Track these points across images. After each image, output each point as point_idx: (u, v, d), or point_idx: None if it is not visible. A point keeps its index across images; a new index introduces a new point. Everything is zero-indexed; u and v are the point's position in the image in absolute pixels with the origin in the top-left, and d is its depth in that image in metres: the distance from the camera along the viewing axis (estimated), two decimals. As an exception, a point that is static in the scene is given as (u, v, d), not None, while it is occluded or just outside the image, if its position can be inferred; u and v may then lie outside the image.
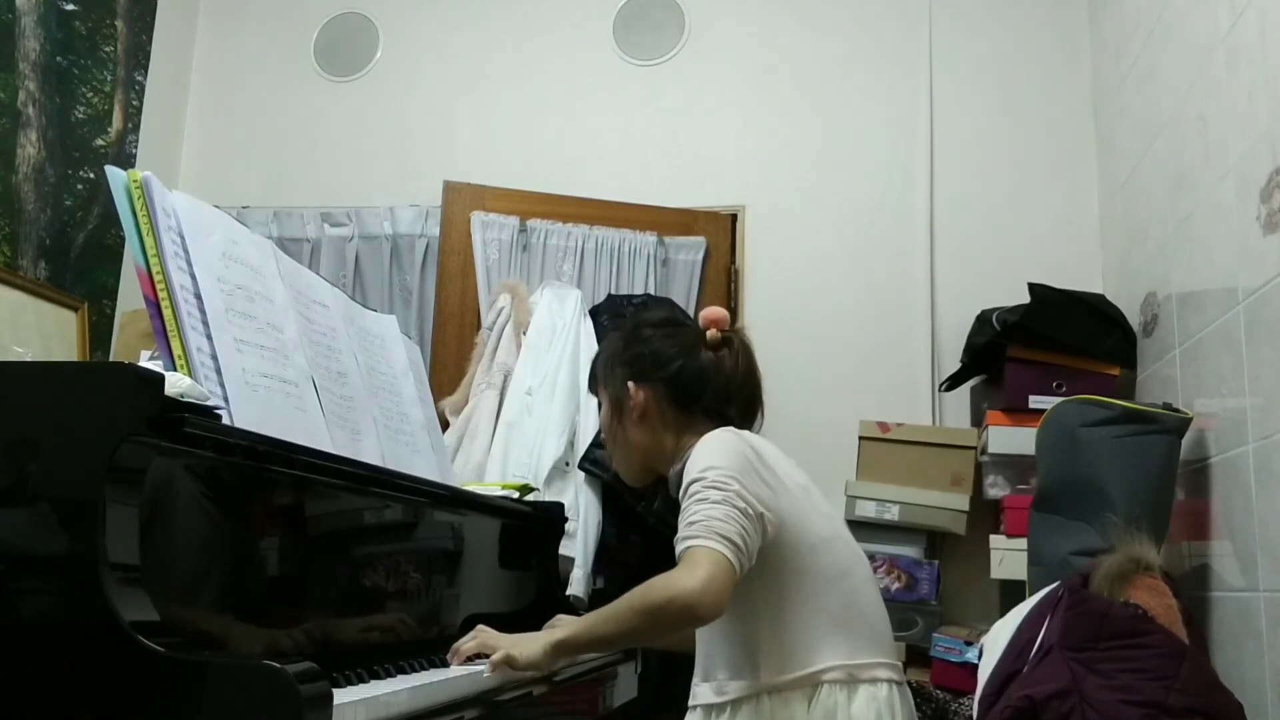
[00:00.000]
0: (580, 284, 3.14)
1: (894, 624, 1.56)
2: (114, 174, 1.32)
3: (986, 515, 2.86)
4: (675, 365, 1.60)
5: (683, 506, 1.40)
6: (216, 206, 1.48)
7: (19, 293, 2.86)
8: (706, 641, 1.50)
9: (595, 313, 2.98)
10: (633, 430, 1.62)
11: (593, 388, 1.73)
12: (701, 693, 1.48)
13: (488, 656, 1.37)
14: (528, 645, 1.37)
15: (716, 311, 1.65)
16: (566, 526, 2.36)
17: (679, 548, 1.35)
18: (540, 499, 2.36)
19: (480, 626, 1.45)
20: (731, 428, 1.53)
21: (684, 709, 1.54)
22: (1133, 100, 2.83)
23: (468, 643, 1.41)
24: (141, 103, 3.50)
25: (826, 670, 1.41)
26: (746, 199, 3.41)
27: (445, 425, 2.70)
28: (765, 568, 1.41)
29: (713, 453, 1.44)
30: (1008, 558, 2.57)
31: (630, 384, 1.61)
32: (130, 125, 3.45)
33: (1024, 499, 2.47)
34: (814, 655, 1.42)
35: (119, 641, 0.92)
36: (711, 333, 1.63)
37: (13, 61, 2.95)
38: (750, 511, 1.37)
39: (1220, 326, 2.12)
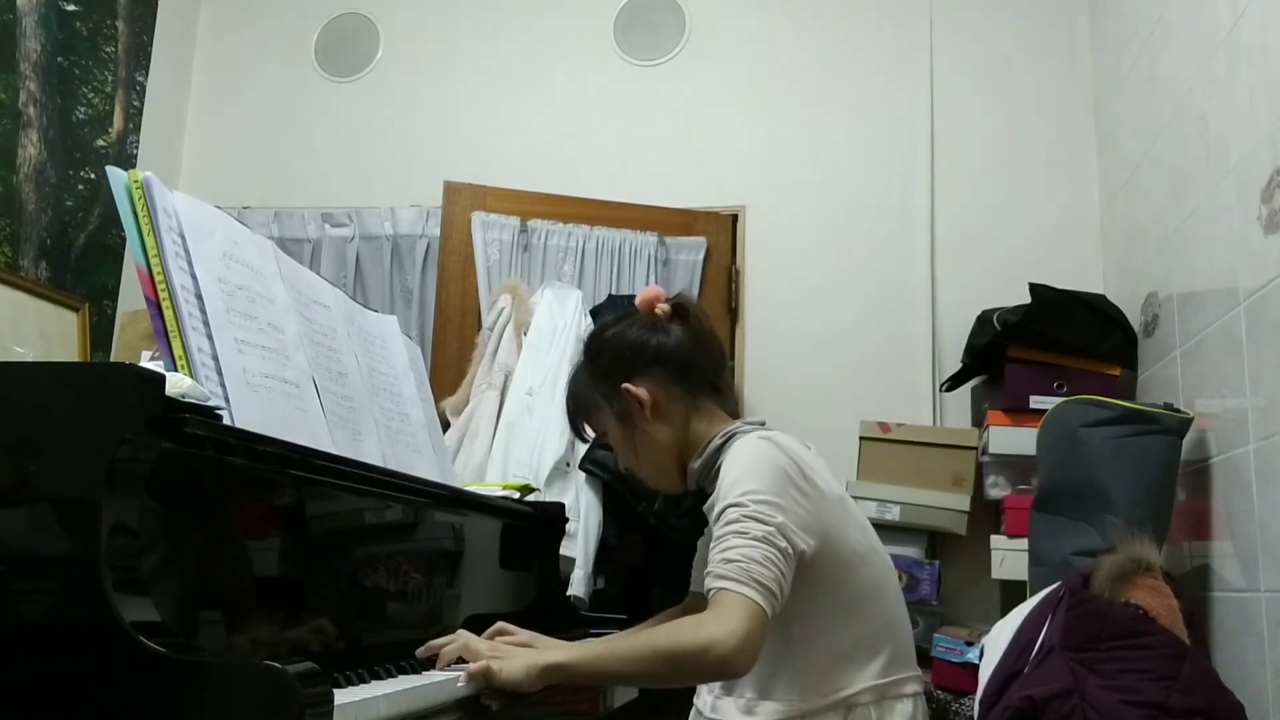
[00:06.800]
0: (581, 284, 3.14)
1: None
2: (115, 174, 1.32)
3: (987, 515, 2.86)
4: (654, 345, 1.53)
5: (715, 531, 1.31)
6: (217, 207, 1.48)
7: (20, 293, 2.86)
8: None
9: (596, 313, 2.98)
10: (654, 430, 1.52)
11: (578, 429, 1.62)
12: (724, 707, 1.43)
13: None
14: (512, 661, 1.26)
15: (650, 291, 1.59)
16: (567, 527, 2.36)
17: (711, 583, 1.27)
18: (541, 499, 2.36)
19: (461, 631, 1.38)
20: (769, 434, 1.43)
21: (684, 710, 1.53)
22: (1133, 100, 2.83)
23: (449, 645, 1.32)
24: (142, 103, 3.50)
25: (860, 693, 1.39)
26: (747, 199, 3.41)
27: (446, 425, 2.70)
28: (802, 587, 1.33)
29: (751, 468, 1.35)
30: (1009, 558, 2.57)
31: (627, 386, 1.51)
32: (131, 126, 3.45)
33: (1025, 499, 2.47)
34: (848, 678, 1.39)
35: (119, 642, 0.92)
36: (662, 307, 1.57)
37: (14, 62, 2.95)
38: (790, 551, 1.29)
39: (1221, 327, 2.12)
